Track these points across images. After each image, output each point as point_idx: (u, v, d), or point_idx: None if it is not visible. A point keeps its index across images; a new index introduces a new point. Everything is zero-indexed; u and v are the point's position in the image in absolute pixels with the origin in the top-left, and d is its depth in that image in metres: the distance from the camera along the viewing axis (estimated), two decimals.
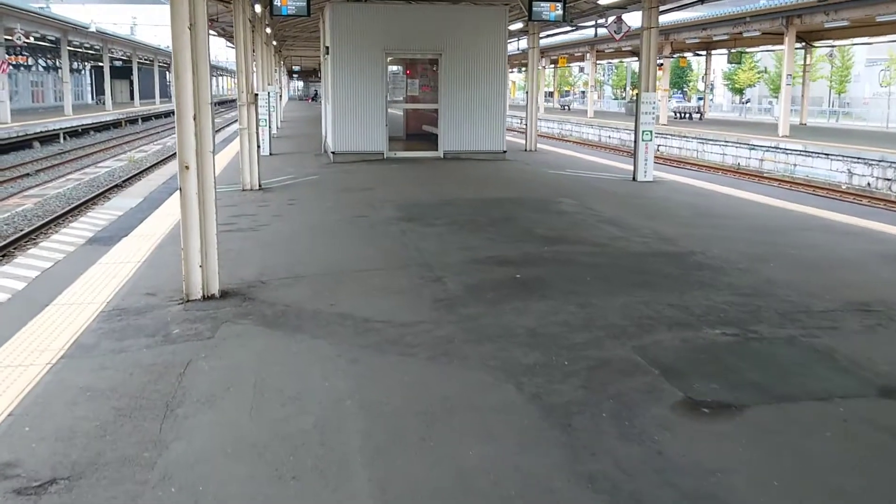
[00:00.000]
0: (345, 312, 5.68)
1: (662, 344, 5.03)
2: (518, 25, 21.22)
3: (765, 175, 25.21)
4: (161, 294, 6.17)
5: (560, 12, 14.50)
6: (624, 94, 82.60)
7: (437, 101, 17.71)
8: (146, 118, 54.51)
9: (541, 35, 21.41)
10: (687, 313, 5.68)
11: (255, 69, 15.02)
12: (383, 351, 4.90)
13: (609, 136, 40.80)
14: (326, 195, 12.20)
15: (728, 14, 31.31)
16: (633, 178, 14.12)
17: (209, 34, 5.87)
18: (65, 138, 36.41)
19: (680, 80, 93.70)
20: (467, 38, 17.05)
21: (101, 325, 5.36)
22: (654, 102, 13.93)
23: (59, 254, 9.94)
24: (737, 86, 79.48)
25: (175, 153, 5.99)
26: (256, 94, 12.97)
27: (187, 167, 5.80)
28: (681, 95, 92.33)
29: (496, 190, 12.76)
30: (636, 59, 41.29)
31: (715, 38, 34.53)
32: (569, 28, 21.42)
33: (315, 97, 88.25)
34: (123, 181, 19.78)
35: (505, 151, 17.61)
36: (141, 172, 22.93)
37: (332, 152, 16.86)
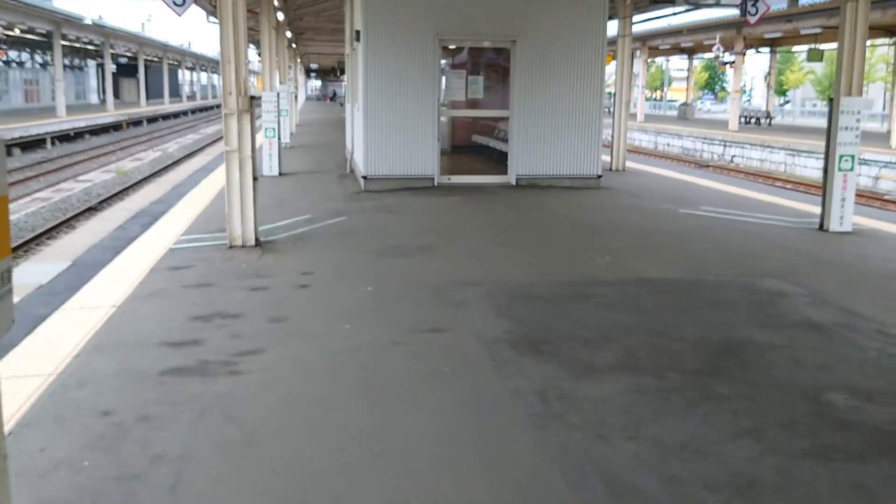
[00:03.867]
0: None
1: None
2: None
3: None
4: None
5: None
6: (653, 95, 77.51)
7: (502, 106, 12.99)
8: (152, 119, 50.15)
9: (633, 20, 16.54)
10: None
11: (251, 60, 9.62)
12: None
13: (668, 144, 35.95)
14: (361, 265, 7.53)
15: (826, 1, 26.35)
16: (822, 227, 9.35)
17: None
18: (52, 143, 32.04)
19: (711, 81, 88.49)
20: (551, 20, 12.30)
21: None
22: (859, 112, 9.14)
23: None
24: (784, 87, 74.38)
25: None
26: (254, 98, 8.29)
27: None
28: (712, 96, 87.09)
29: (638, 255, 7.95)
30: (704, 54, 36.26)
31: (803, 32, 29.49)
32: (667, 10, 16.58)
33: (334, 97, 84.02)
34: (80, 212, 14.80)
35: (600, 176, 12.84)
36: (122, 192, 18.29)
37: (364, 177, 12.15)
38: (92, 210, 15.00)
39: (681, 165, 24.29)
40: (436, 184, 12.38)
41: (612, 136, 16.08)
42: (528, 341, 5.04)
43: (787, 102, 74.43)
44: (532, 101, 12.39)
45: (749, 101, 79.79)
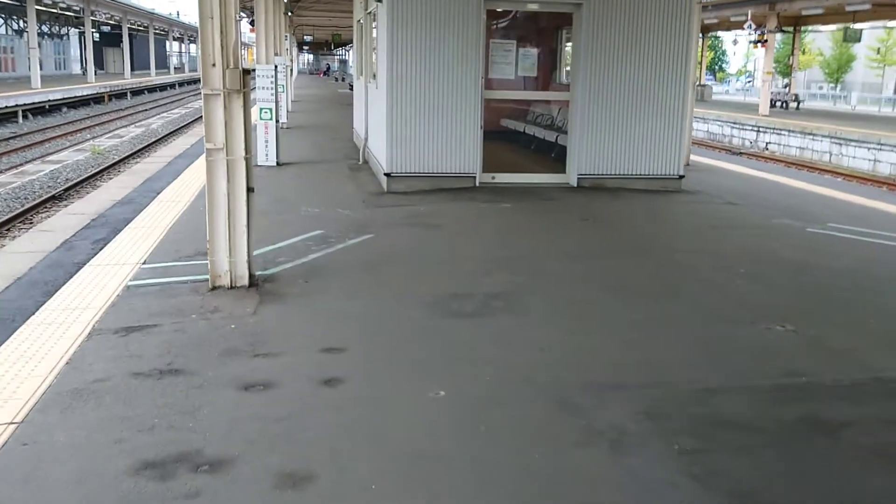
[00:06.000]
0: None
1: None
2: None
3: None
4: None
5: None
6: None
7: (543, 85, 10.39)
8: (137, 92, 47.14)
9: None
10: None
11: (241, 19, 6.88)
12: None
13: (693, 130, 33.31)
14: (413, 332, 4.98)
15: None
16: None
17: None
18: (25, 117, 29.25)
19: (712, 62, 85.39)
20: None
21: None
22: None
23: None
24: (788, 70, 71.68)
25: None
26: (249, 71, 5.66)
27: None
28: (711, 77, 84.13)
29: (828, 320, 5.22)
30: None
31: (850, 8, 26.83)
32: None
33: (328, 71, 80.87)
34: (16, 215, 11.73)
35: (682, 176, 10.25)
36: (87, 179, 15.58)
37: (387, 174, 9.54)
38: (35, 211, 12.17)
39: (739, 157, 21.78)
40: (477, 183, 9.78)
41: None
42: None
43: (788, 86, 71.99)
44: (601, 82, 9.77)
45: (751, 82, 77.04)
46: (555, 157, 12.02)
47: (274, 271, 6.12)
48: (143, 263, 6.32)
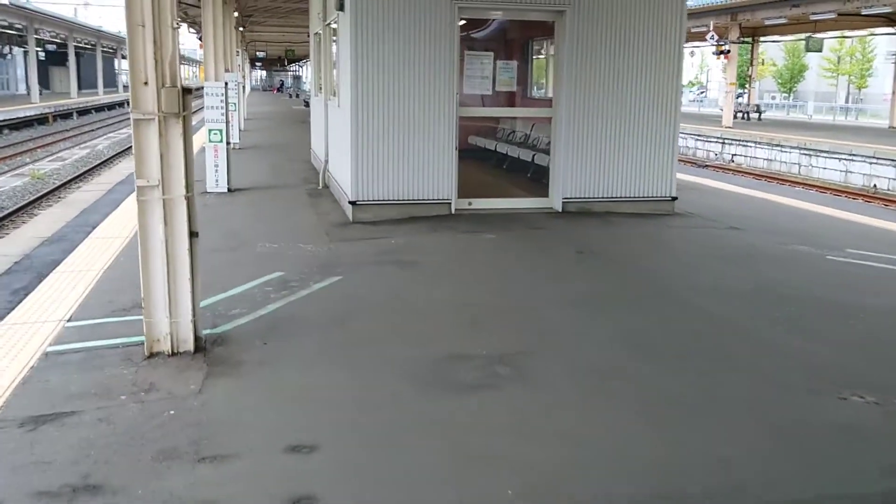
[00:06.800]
0: None
1: None
2: None
3: None
4: None
5: None
6: None
7: (512, 101, 9.51)
8: (84, 111, 45.39)
9: None
10: None
11: (178, 26, 5.52)
12: None
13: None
14: (401, 421, 3.96)
15: None
16: None
17: None
18: None
19: None
20: None
21: None
22: None
23: None
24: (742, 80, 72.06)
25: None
26: (190, 90, 4.63)
27: None
28: None
29: (879, 380, 4.41)
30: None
31: (813, 18, 26.48)
32: None
33: (281, 88, 79.43)
34: None
35: (675, 198, 9.41)
36: (27, 206, 14.28)
37: (352, 202, 8.53)
38: None
39: (706, 170, 21.16)
40: (453, 210, 8.82)
41: None
42: None
43: (741, 96, 72.45)
44: (586, 97, 8.90)
45: (705, 93, 77.33)
46: (531, 177, 11.16)
47: (226, 329, 5.09)
48: (69, 321, 5.26)
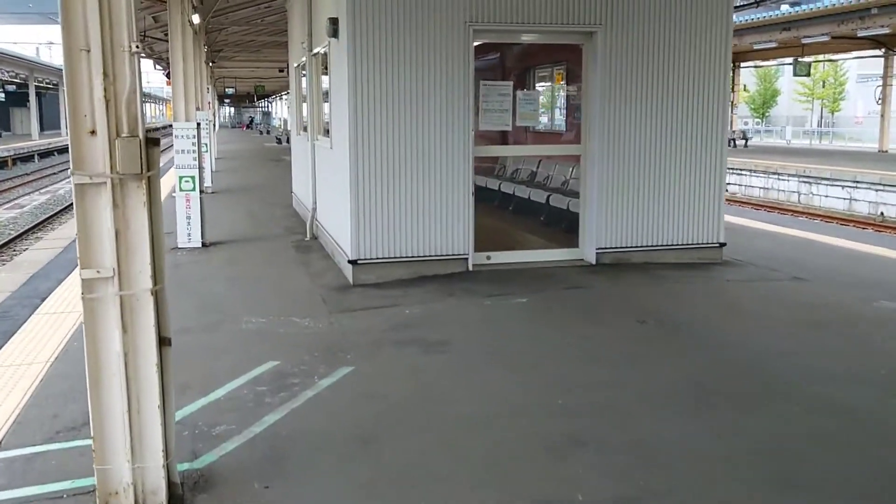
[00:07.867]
0: None
1: None
2: None
3: None
4: None
5: None
6: None
7: (558, 137, 8.29)
8: (46, 154, 43.72)
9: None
10: None
11: (137, 51, 4.06)
12: None
13: None
14: None
15: (842, 5, 22.61)
16: None
17: None
18: None
19: None
20: (652, 2, 7.63)
21: None
22: None
23: None
24: None
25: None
26: (157, 141, 3.31)
27: None
28: None
29: None
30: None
31: (805, 41, 25.74)
32: None
33: (251, 124, 77.99)
34: None
35: (723, 244, 8.17)
36: None
37: (353, 262, 7.17)
38: None
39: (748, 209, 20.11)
40: (470, 267, 7.50)
41: None
42: None
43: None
44: (621, 132, 7.67)
45: None
46: (544, 220, 9.92)
47: (211, 460, 3.72)
48: None
